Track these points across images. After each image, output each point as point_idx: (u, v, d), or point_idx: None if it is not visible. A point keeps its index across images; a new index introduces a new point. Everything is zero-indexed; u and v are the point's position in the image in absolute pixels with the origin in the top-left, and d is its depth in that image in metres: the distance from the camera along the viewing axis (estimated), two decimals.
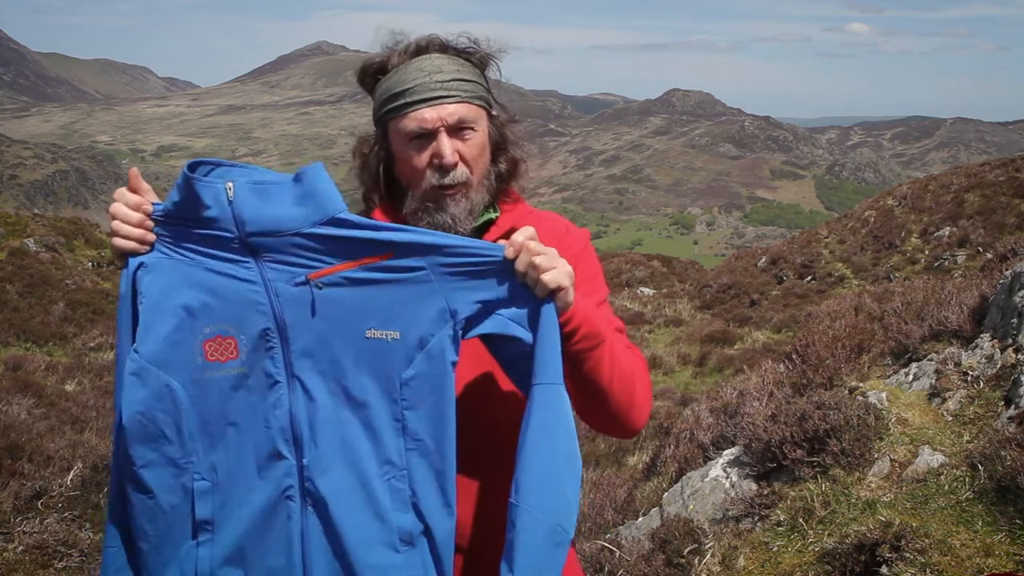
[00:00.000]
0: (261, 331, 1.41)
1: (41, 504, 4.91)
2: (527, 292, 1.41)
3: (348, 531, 1.40)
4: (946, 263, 15.44)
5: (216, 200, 1.38)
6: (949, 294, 5.35)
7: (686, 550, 3.58)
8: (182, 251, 1.42)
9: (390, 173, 1.66)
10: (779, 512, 3.48)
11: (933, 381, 4.04)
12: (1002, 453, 3.07)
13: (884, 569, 2.82)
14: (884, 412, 3.75)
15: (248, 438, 1.42)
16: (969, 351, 4.19)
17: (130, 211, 1.41)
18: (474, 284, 1.41)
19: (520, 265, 1.40)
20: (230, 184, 1.38)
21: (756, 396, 5.13)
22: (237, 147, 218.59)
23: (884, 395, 3.95)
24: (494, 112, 1.67)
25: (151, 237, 1.42)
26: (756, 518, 3.58)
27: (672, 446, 5.46)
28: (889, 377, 4.49)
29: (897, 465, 3.45)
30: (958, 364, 4.08)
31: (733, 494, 3.82)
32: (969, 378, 3.93)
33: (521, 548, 1.37)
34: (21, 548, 4.30)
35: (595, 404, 1.54)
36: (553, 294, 1.40)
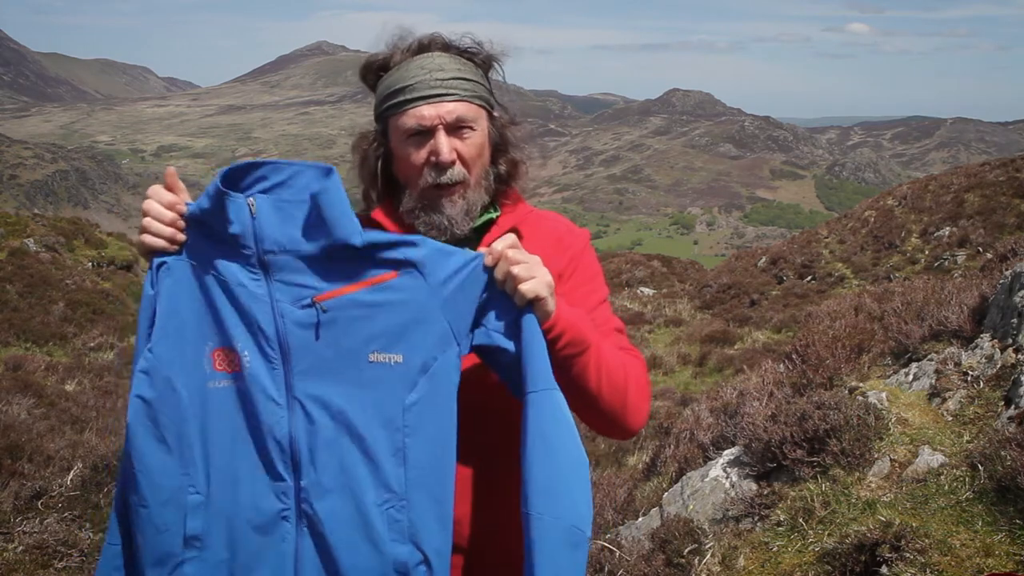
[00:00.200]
0: (264, 351, 1.41)
1: (41, 504, 4.90)
2: (509, 301, 1.42)
3: (343, 557, 1.39)
4: (946, 263, 15.44)
5: (238, 216, 1.38)
6: (949, 294, 5.35)
7: (686, 550, 3.58)
8: (203, 258, 1.42)
9: (389, 170, 1.65)
10: (779, 512, 3.48)
11: (933, 381, 4.04)
12: (1002, 453, 3.07)
13: (884, 569, 2.82)
14: (884, 412, 3.75)
15: (246, 455, 1.41)
16: (969, 351, 4.19)
17: (164, 210, 1.41)
18: (466, 296, 1.42)
19: (498, 274, 1.41)
20: (252, 200, 1.38)
21: (756, 396, 5.13)
22: (237, 147, 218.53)
23: (884, 395, 3.95)
24: (496, 113, 1.67)
25: (181, 237, 1.42)
26: (756, 518, 3.58)
27: (672, 446, 5.46)
28: (889, 377, 4.49)
29: (897, 465, 3.45)
30: (958, 364, 4.08)
31: (733, 494, 3.82)
32: (969, 378, 3.93)
33: (539, 556, 1.37)
34: (21, 548, 4.29)
35: (586, 407, 1.54)
36: (532, 304, 1.40)
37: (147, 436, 1.38)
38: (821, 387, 4.91)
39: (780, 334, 13.77)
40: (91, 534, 4.56)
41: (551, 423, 1.40)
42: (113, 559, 1.44)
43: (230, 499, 1.41)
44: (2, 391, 8.30)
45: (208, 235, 1.42)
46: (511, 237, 1.42)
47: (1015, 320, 4.07)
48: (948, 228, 17.43)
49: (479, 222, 1.65)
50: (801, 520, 3.33)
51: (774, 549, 3.29)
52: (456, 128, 1.57)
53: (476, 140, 1.59)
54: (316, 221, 1.38)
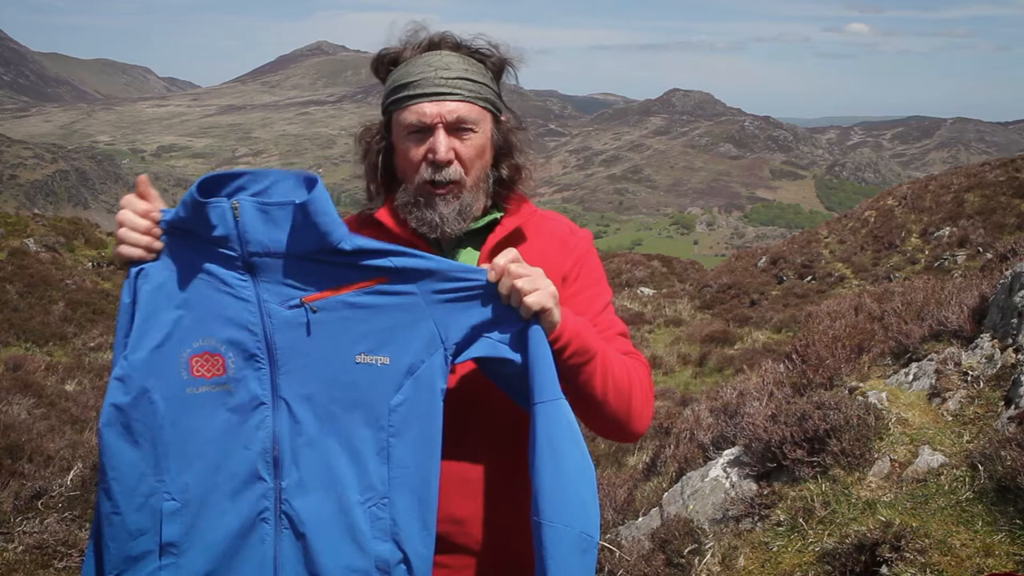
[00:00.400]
0: (250, 351, 1.41)
1: (41, 504, 4.90)
2: (514, 313, 1.43)
3: (323, 556, 1.40)
4: (946, 263, 15.44)
5: (222, 219, 1.38)
6: (949, 294, 5.35)
7: (686, 550, 3.58)
8: (183, 263, 1.41)
9: (391, 164, 1.65)
10: (779, 512, 3.48)
11: (933, 381, 4.04)
12: (1002, 453, 3.07)
13: (884, 569, 2.82)
14: (884, 412, 3.75)
15: (225, 458, 1.41)
16: (969, 351, 4.19)
17: (138, 218, 1.40)
18: (463, 308, 1.43)
19: (503, 288, 1.41)
20: (236, 203, 1.38)
21: (756, 396, 5.13)
22: (237, 147, 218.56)
23: (884, 395, 3.95)
24: (502, 117, 1.66)
25: (158, 245, 1.41)
26: (756, 518, 3.58)
27: (672, 446, 5.46)
28: (889, 377, 4.49)
29: (897, 465, 3.45)
30: (958, 364, 4.08)
31: (733, 494, 3.82)
32: (969, 378, 3.93)
33: (552, 562, 1.38)
34: (21, 548, 4.29)
35: (592, 413, 1.55)
36: (537, 315, 1.41)
37: (120, 442, 1.37)
38: (821, 387, 4.91)
39: (780, 334, 13.77)
40: None
41: (560, 433, 1.41)
42: (91, 571, 1.42)
43: (208, 504, 1.41)
44: (2, 391, 8.29)
45: (188, 239, 1.41)
46: (512, 251, 1.43)
47: (1015, 320, 4.07)
48: (948, 228, 17.43)
49: (483, 222, 1.65)
50: (801, 520, 3.33)
51: (774, 549, 3.29)
52: (456, 128, 1.57)
53: (476, 142, 1.59)
54: (303, 225, 1.38)
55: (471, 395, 1.54)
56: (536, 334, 1.42)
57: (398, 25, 1.64)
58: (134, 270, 1.41)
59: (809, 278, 18.90)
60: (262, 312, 1.41)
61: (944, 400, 3.86)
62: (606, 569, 3.78)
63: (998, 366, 3.89)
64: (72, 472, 5.34)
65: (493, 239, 1.63)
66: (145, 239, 1.40)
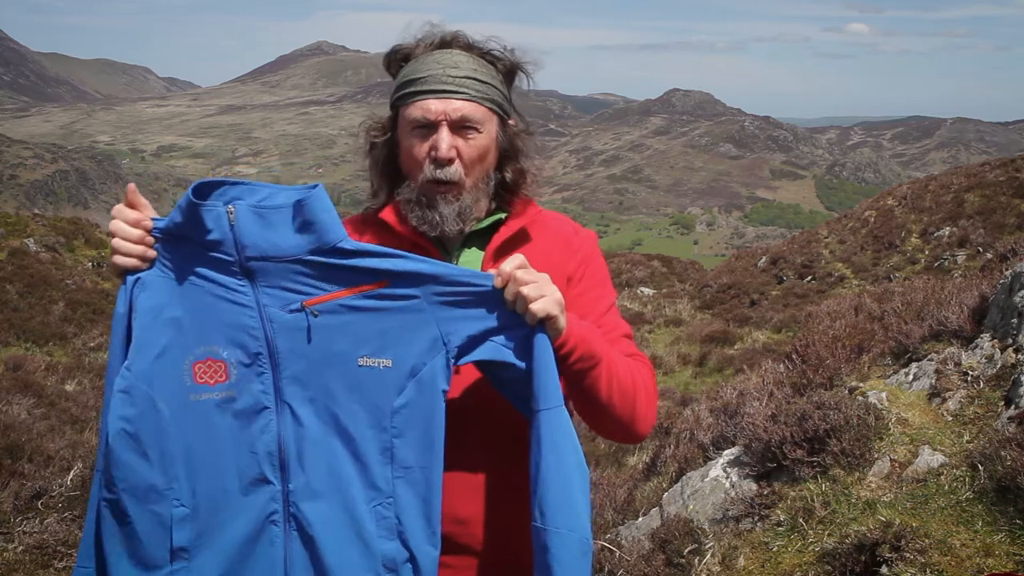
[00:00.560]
0: (252, 356, 1.41)
1: (41, 504, 4.90)
2: (519, 319, 1.43)
3: (332, 557, 1.40)
4: (946, 263, 15.45)
5: (217, 223, 1.37)
6: (949, 294, 5.35)
7: (686, 550, 3.58)
8: (179, 270, 1.41)
9: (396, 160, 1.65)
10: (779, 512, 3.48)
11: (933, 381, 4.04)
12: (1002, 453, 3.07)
13: (884, 569, 2.82)
14: (884, 412, 3.75)
15: (232, 463, 1.42)
16: (969, 351, 4.19)
17: (130, 228, 1.39)
18: (467, 312, 1.43)
19: (508, 295, 1.41)
20: (231, 207, 1.37)
21: (756, 396, 5.13)
22: (237, 147, 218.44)
23: (884, 395, 3.95)
24: (510, 120, 1.66)
25: (151, 254, 1.41)
26: (756, 518, 3.58)
27: (672, 446, 5.46)
28: (889, 377, 4.49)
29: (897, 465, 3.45)
30: (958, 364, 4.08)
31: (733, 494, 3.82)
32: (969, 378, 3.93)
33: (559, 567, 1.39)
34: (21, 548, 4.29)
35: (596, 416, 1.55)
36: (543, 322, 1.41)
37: (130, 453, 1.37)
38: (821, 387, 4.91)
39: (780, 334, 13.77)
40: None
41: (562, 440, 1.42)
42: None
43: (217, 509, 1.41)
44: (2, 391, 8.29)
45: (184, 247, 1.40)
46: (519, 258, 1.43)
47: (1015, 320, 4.07)
48: (948, 228, 17.43)
49: (488, 222, 1.65)
50: (801, 520, 3.33)
51: (774, 549, 3.29)
52: (461, 127, 1.56)
53: (479, 143, 1.58)
54: (301, 225, 1.38)
55: (474, 397, 1.54)
56: (541, 341, 1.42)
57: (414, 25, 1.64)
58: (130, 279, 1.40)
59: (809, 278, 18.90)
60: (262, 317, 1.41)
61: (944, 400, 3.86)
62: (606, 569, 3.78)
63: (998, 366, 3.89)
64: (72, 472, 5.33)
65: (498, 239, 1.63)
66: (138, 248, 1.40)
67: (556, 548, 1.39)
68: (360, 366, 1.41)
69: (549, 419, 1.42)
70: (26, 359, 10.88)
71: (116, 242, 1.40)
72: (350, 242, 1.40)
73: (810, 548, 3.17)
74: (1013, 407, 3.47)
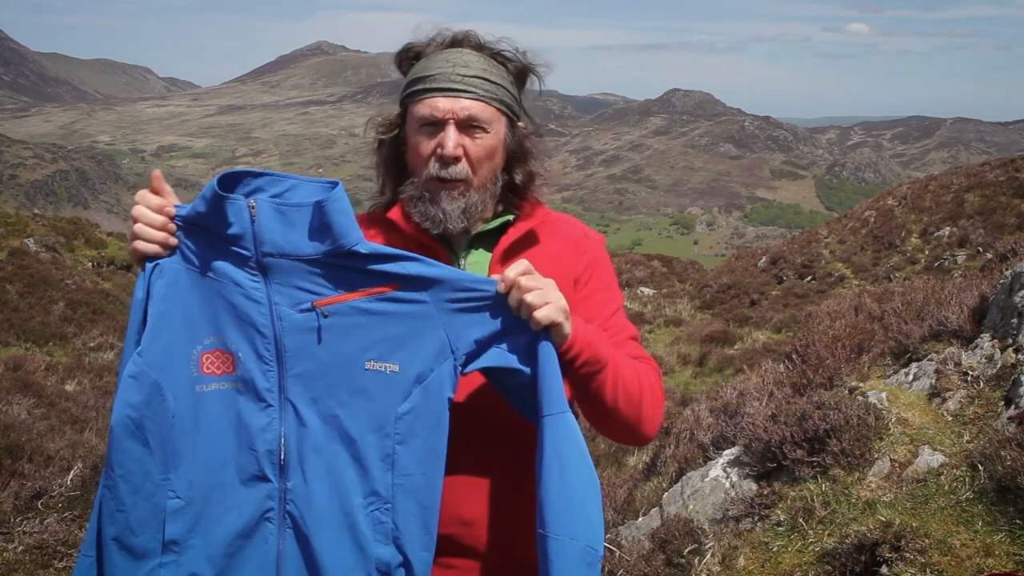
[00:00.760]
0: (259, 352, 1.41)
1: (41, 504, 4.90)
2: (524, 324, 1.42)
3: (325, 557, 1.40)
4: (946, 263, 15.44)
5: (238, 217, 1.38)
6: (949, 294, 5.35)
7: (686, 550, 3.58)
8: (197, 260, 1.42)
9: (403, 158, 1.65)
10: (779, 512, 3.48)
11: (933, 381, 4.04)
12: (1002, 453, 3.07)
13: (884, 569, 2.82)
14: (884, 412, 3.75)
15: (231, 457, 1.42)
16: (969, 351, 4.19)
17: (154, 214, 1.40)
18: (474, 318, 1.42)
19: (512, 301, 1.41)
20: (253, 202, 1.38)
21: (756, 396, 5.13)
22: (237, 147, 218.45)
23: (884, 395, 3.95)
24: (519, 122, 1.65)
25: (173, 241, 1.41)
26: (756, 518, 3.58)
27: (672, 446, 5.46)
28: (889, 377, 4.49)
29: (897, 465, 3.45)
30: (958, 364, 4.08)
31: (733, 494, 3.82)
32: (969, 378, 3.93)
33: (557, 575, 1.38)
34: (21, 548, 4.30)
35: (603, 419, 1.55)
36: (547, 329, 1.41)
37: (131, 440, 1.38)
38: (821, 387, 4.91)
39: (780, 334, 13.76)
40: None
41: (567, 446, 1.41)
42: (88, 571, 1.42)
43: (212, 502, 1.41)
44: (2, 391, 8.29)
45: (203, 237, 1.41)
46: (523, 263, 1.42)
47: (1015, 320, 4.07)
48: (948, 228, 17.43)
49: (496, 223, 1.64)
50: (801, 520, 3.33)
51: (774, 549, 3.29)
52: (468, 126, 1.56)
53: (486, 142, 1.58)
54: (319, 227, 1.38)
55: (480, 399, 1.54)
56: (545, 347, 1.41)
57: (426, 26, 1.65)
58: (149, 265, 1.41)
59: (809, 278, 18.90)
60: (273, 314, 1.41)
61: (944, 400, 3.86)
62: (606, 569, 3.78)
63: (998, 366, 3.89)
64: (72, 472, 5.34)
65: (506, 241, 1.62)
66: (160, 235, 1.40)
67: (555, 555, 1.38)
68: (366, 369, 1.41)
69: (554, 424, 1.41)
70: (26, 359, 10.87)
71: (138, 227, 1.40)
72: (365, 245, 1.40)
73: (810, 548, 3.17)
74: (1013, 407, 3.47)
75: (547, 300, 1.40)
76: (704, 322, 15.98)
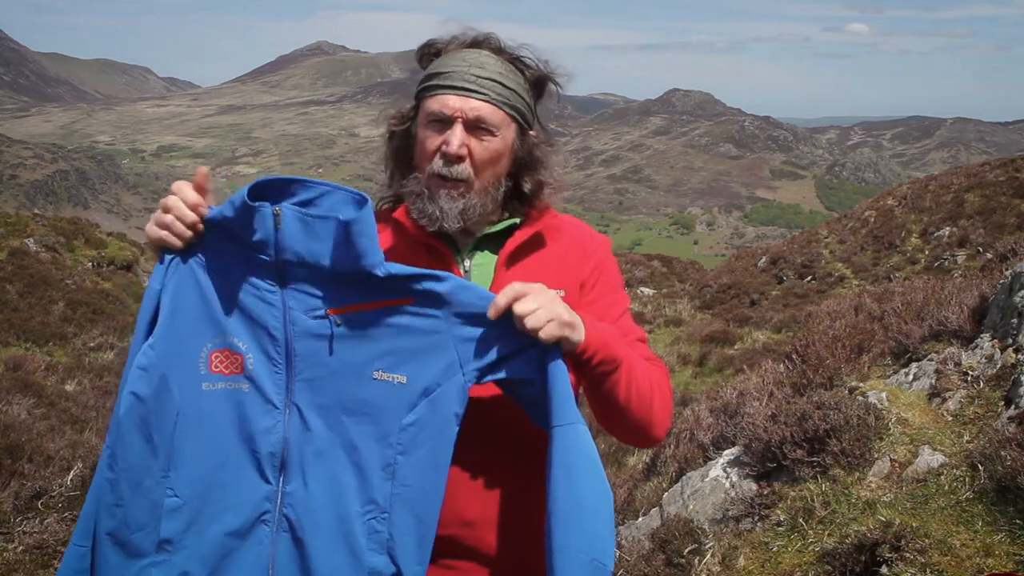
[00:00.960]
0: (268, 355, 1.42)
1: (41, 504, 4.90)
2: (532, 337, 1.42)
3: (319, 563, 1.41)
4: (946, 263, 15.44)
5: (262, 224, 1.39)
6: (949, 294, 5.35)
7: (686, 550, 3.58)
8: (216, 260, 1.43)
9: (411, 151, 1.65)
10: (779, 512, 3.48)
11: (933, 381, 4.04)
12: (1002, 453, 3.07)
13: (884, 569, 2.83)
14: (884, 412, 3.75)
15: (232, 457, 1.42)
16: (969, 351, 4.19)
17: (188, 211, 1.41)
18: (484, 332, 1.42)
19: (516, 323, 1.40)
20: (278, 209, 1.39)
21: (756, 396, 5.13)
22: (237, 147, 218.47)
23: (884, 395, 3.95)
24: (531, 130, 1.65)
25: (195, 240, 1.42)
26: (756, 518, 3.58)
27: (672, 446, 5.46)
28: (889, 377, 4.49)
29: (897, 465, 3.45)
30: (958, 364, 4.08)
31: (733, 494, 3.82)
32: (969, 378, 3.93)
33: None
34: (21, 548, 4.29)
35: (614, 419, 1.55)
36: (556, 343, 1.41)
37: (135, 434, 1.38)
38: (821, 387, 4.91)
39: (780, 334, 13.76)
40: None
41: (576, 458, 1.41)
42: (78, 560, 1.42)
43: (210, 501, 1.41)
44: (2, 391, 8.29)
45: (225, 236, 1.42)
46: (514, 288, 1.40)
47: (1015, 320, 4.07)
48: (948, 228, 17.43)
49: (502, 226, 1.64)
50: (801, 520, 3.33)
51: (774, 549, 3.29)
52: (476, 127, 1.56)
53: (493, 146, 1.58)
54: (342, 244, 1.38)
55: (490, 403, 1.54)
56: (553, 360, 1.42)
57: (449, 26, 1.66)
58: (168, 258, 1.42)
59: (809, 278, 18.90)
60: (286, 318, 1.42)
61: (944, 400, 3.86)
62: None
63: (998, 366, 3.89)
64: (72, 472, 5.33)
65: (512, 244, 1.62)
66: (189, 233, 1.41)
67: (561, 568, 1.37)
68: (374, 379, 1.42)
69: (563, 436, 1.41)
70: (26, 359, 10.87)
71: (168, 218, 1.40)
72: (383, 268, 1.40)
73: (810, 548, 3.17)
74: (1013, 407, 3.47)
75: (548, 319, 1.39)
76: (704, 322, 15.98)
